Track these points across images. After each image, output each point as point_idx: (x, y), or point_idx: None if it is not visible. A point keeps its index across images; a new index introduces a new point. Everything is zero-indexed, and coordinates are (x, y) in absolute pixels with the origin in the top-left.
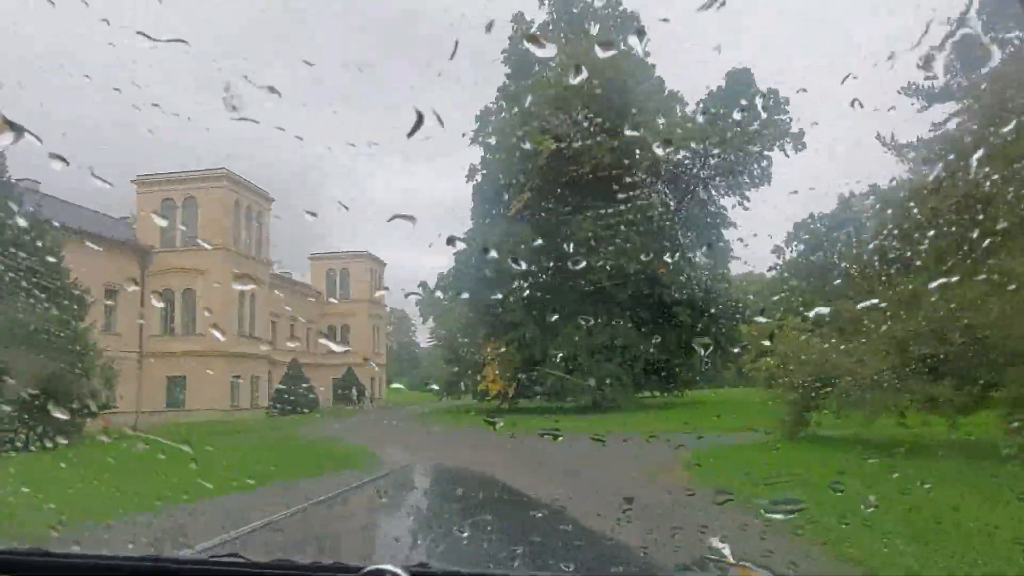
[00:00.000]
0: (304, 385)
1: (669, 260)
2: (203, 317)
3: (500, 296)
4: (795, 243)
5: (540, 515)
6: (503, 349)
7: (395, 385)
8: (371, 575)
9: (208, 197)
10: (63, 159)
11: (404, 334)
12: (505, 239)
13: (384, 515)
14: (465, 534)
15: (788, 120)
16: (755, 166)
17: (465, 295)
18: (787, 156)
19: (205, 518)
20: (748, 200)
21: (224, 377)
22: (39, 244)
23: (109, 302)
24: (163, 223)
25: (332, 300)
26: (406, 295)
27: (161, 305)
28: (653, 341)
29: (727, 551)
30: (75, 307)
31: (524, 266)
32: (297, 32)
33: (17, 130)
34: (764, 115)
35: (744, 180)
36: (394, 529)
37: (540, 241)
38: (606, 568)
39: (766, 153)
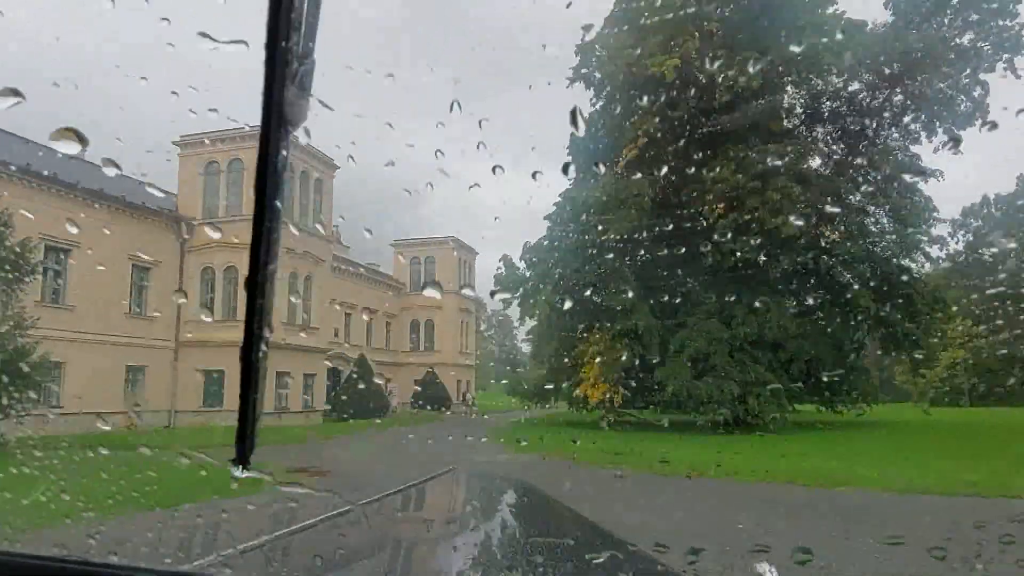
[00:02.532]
0: (372, 386)
1: (841, 223)
2: (244, 301)
3: (604, 273)
4: (962, 231)
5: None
6: (607, 343)
7: (491, 388)
8: None
9: (256, 158)
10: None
11: (506, 336)
12: (612, 198)
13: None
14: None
15: (1018, 27)
16: (962, 97)
17: (558, 271)
18: (1017, 77)
19: None
20: (958, 143)
21: (268, 373)
22: None
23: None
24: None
25: (415, 291)
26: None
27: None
28: (818, 335)
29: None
30: None
31: (637, 233)
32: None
33: (83, 140)
34: (981, 20)
35: (945, 115)
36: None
37: (659, 199)
38: None
39: (981, 76)
